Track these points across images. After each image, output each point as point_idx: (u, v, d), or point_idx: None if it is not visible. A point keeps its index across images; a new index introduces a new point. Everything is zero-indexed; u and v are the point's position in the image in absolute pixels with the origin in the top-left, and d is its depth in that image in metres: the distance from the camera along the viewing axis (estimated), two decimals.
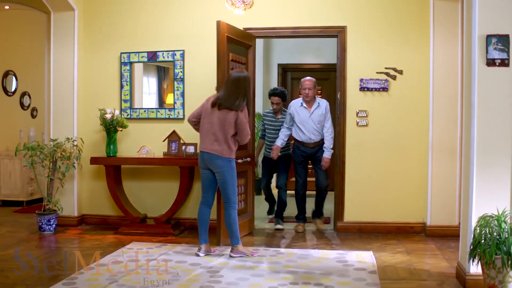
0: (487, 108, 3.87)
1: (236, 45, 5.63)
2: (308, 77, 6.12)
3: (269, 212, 7.00)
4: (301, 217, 6.17)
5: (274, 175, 7.40)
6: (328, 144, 5.91)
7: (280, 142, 6.17)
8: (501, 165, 3.87)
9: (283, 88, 7.07)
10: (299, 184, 6.13)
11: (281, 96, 6.56)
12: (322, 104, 6.02)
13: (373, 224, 5.95)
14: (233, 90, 4.82)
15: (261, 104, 8.91)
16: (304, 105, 6.01)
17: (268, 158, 6.61)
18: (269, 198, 6.98)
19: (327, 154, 5.91)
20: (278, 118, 6.61)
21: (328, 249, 5.20)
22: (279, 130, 6.34)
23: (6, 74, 8.27)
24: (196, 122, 5.01)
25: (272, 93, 6.62)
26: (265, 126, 6.73)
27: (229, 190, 4.87)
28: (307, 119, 5.98)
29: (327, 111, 5.99)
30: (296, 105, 6.05)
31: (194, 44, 6.14)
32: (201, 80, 6.12)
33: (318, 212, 6.25)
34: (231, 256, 4.83)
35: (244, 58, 5.85)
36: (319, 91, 8.51)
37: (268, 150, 6.65)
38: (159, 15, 6.23)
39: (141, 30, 6.26)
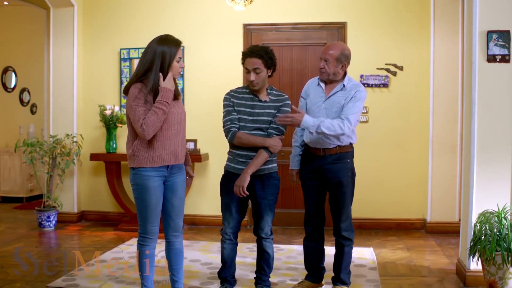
0: (487, 104, 3.87)
1: None
2: (334, 42, 4.23)
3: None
4: (313, 274, 3.90)
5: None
6: (324, 123, 3.44)
7: (296, 158, 3.86)
8: (501, 162, 3.86)
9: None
10: (307, 216, 3.82)
11: (264, 57, 3.49)
12: (350, 86, 3.64)
13: (373, 220, 5.94)
14: None
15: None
16: (321, 84, 3.74)
17: (235, 177, 3.51)
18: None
19: (307, 119, 3.44)
20: (264, 101, 3.57)
21: (328, 245, 5.17)
22: (262, 125, 3.53)
23: (6, 70, 8.26)
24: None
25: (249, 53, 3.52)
26: (239, 116, 3.55)
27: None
28: (319, 106, 3.67)
29: (355, 95, 3.58)
30: (312, 83, 3.81)
31: (194, 40, 6.12)
32: (201, 76, 6.11)
33: (337, 277, 3.79)
34: None
35: None
36: None
37: (240, 160, 3.56)
38: (159, 11, 6.20)
39: (140, 26, 6.24)
